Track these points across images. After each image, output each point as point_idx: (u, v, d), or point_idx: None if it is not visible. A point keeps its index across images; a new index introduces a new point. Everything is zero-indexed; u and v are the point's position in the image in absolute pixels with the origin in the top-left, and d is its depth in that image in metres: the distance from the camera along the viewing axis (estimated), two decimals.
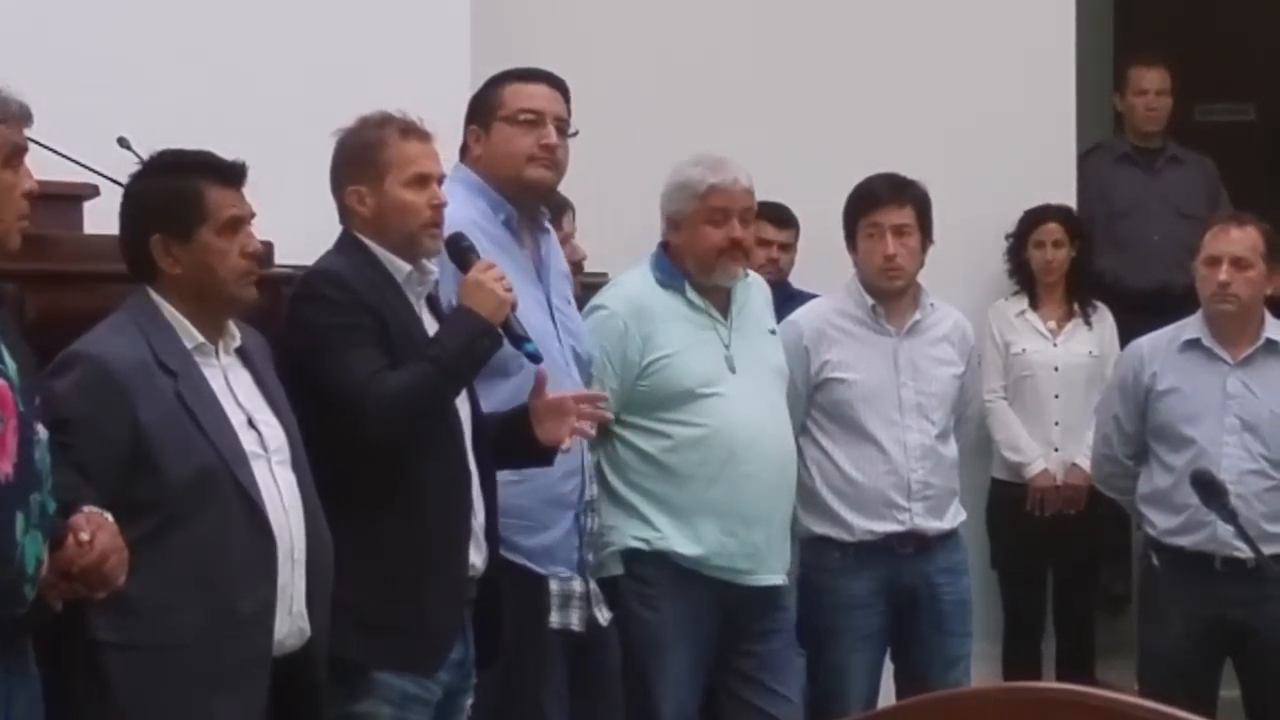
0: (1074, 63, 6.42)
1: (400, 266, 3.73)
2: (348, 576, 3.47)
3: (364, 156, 3.74)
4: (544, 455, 3.86)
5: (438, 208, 3.73)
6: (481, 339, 3.68)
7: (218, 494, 3.26)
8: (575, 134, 4.22)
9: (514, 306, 3.73)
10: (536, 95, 4.16)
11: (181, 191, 3.35)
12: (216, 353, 3.39)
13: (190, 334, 3.35)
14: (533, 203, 4.18)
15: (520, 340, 3.75)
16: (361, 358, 3.60)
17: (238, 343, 3.44)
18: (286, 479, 3.38)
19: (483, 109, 4.19)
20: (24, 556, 2.83)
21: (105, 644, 3.20)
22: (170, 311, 3.35)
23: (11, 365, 2.93)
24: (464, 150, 4.22)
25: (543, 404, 3.80)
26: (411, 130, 3.75)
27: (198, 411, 3.28)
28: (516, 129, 4.12)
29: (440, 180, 3.77)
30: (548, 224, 4.26)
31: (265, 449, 3.36)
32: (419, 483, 3.63)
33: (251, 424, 3.37)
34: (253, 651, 3.28)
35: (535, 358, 3.78)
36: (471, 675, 3.78)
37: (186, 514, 3.24)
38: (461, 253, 3.79)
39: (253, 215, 3.41)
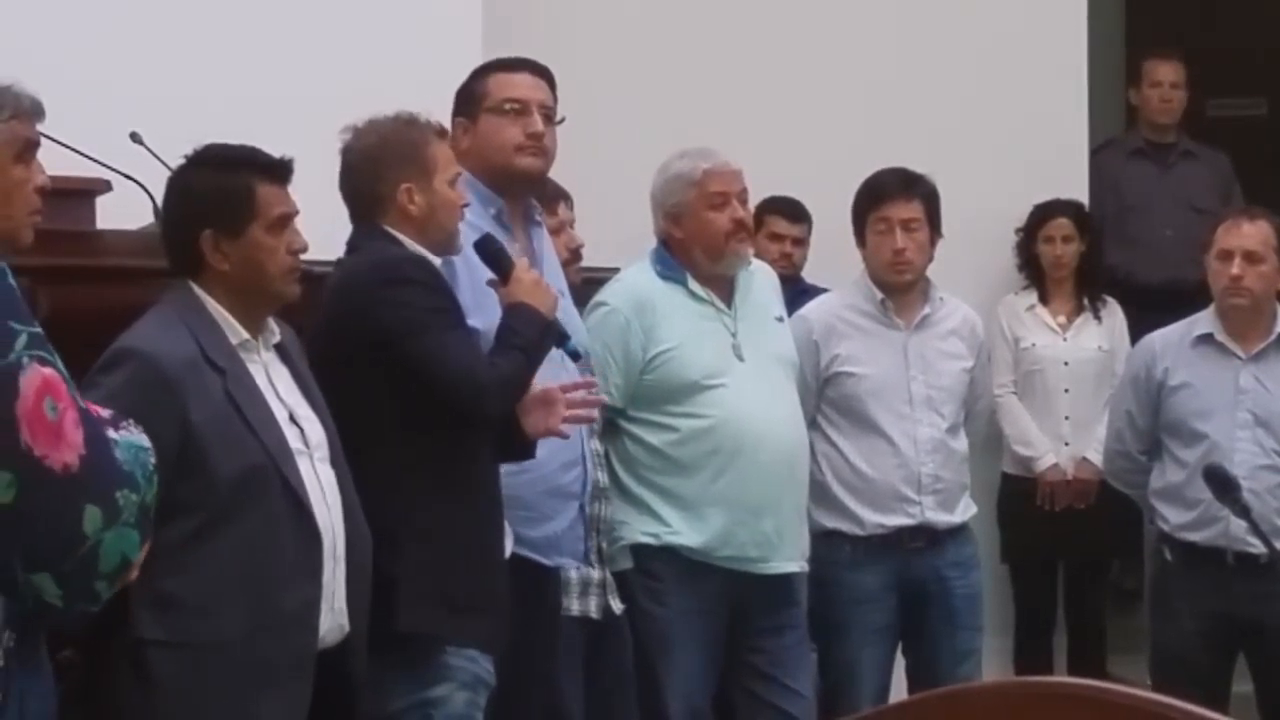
0: (1085, 57, 6.41)
1: (433, 260, 3.78)
2: (422, 558, 3.53)
3: (412, 154, 3.77)
4: (526, 447, 3.87)
5: (464, 207, 3.81)
6: (548, 333, 3.76)
7: (265, 491, 3.26)
8: (562, 121, 4.22)
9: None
10: (521, 84, 4.17)
11: (233, 188, 3.36)
12: (258, 349, 3.40)
13: (235, 330, 3.36)
14: (523, 193, 4.19)
15: (564, 338, 3.82)
16: (466, 340, 3.68)
17: (276, 338, 3.45)
18: (328, 475, 3.39)
19: (468, 101, 4.19)
20: (99, 552, 2.77)
21: (151, 642, 3.20)
22: (214, 307, 3.36)
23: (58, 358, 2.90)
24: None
25: (529, 396, 3.80)
26: (444, 131, 3.84)
27: (246, 409, 3.29)
28: (503, 119, 4.13)
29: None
30: (538, 217, 4.26)
31: (307, 445, 3.38)
32: (477, 470, 3.69)
33: (293, 420, 3.38)
34: (297, 650, 3.29)
35: (576, 355, 3.84)
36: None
37: (234, 512, 3.24)
38: (495, 254, 3.83)
39: (297, 213, 3.42)
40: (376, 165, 3.78)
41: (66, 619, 2.87)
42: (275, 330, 3.44)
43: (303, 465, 3.34)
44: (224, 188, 3.36)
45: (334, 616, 3.36)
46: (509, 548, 3.84)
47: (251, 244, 3.36)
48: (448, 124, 4.03)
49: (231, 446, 3.25)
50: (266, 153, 3.41)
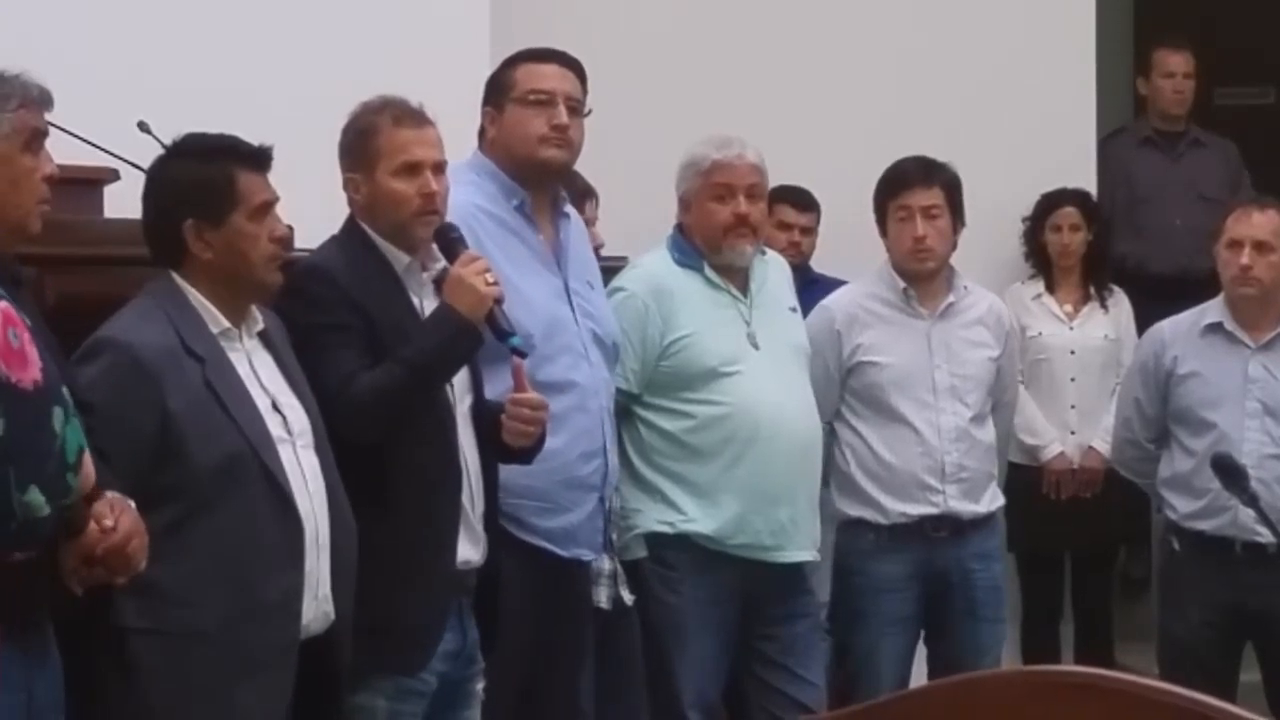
0: (1094, 46, 6.41)
1: (399, 257, 3.71)
2: None
3: (358, 144, 3.73)
4: (521, 452, 3.79)
5: (428, 196, 3.68)
6: (459, 338, 3.63)
7: (245, 480, 3.27)
8: (589, 113, 4.21)
9: (499, 300, 3.67)
10: (548, 75, 4.14)
11: (214, 176, 3.37)
12: (240, 337, 3.41)
13: (216, 319, 3.37)
14: (547, 184, 4.17)
15: (504, 334, 3.69)
16: (339, 359, 3.58)
17: (260, 326, 3.45)
18: (310, 463, 3.40)
19: (496, 90, 4.18)
20: (65, 447, 2.83)
21: (132, 630, 3.21)
22: (196, 296, 3.37)
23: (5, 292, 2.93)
24: (481, 133, 4.23)
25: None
26: (405, 117, 3.71)
27: (225, 397, 3.29)
28: (528, 110, 4.10)
29: (436, 168, 3.72)
30: (568, 208, 4.25)
31: (290, 433, 3.38)
32: (401, 481, 3.60)
33: (276, 408, 3.38)
34: (279, 638, 3.30)
35: (520, 352, 3.73)
36: (475, 662, 3.76)
37: (214, 500, 3.25)
38: (449, 244, 3.73)
39: (278, 199, 3.42)
40: (339, 156, 3.76)
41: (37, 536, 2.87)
42: (259, 318, 3.45)
43: (284, 453, 3.34)
44: (205, 177, 3.37)
45: (319, 604, 3.37)
46: (475, 556, 3.71)
47: (234, 232, 3.37)
48: (461, 111, 4.03)
49: (211, 435, 3.26)
50: (246, 141, 3.42)
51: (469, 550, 3.71)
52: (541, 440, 3.80)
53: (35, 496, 2.77)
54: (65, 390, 2.86)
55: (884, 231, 5.06)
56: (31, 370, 2.77)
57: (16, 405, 2.73)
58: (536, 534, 3.98)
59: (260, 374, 3.40)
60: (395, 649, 3.59)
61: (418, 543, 3.62)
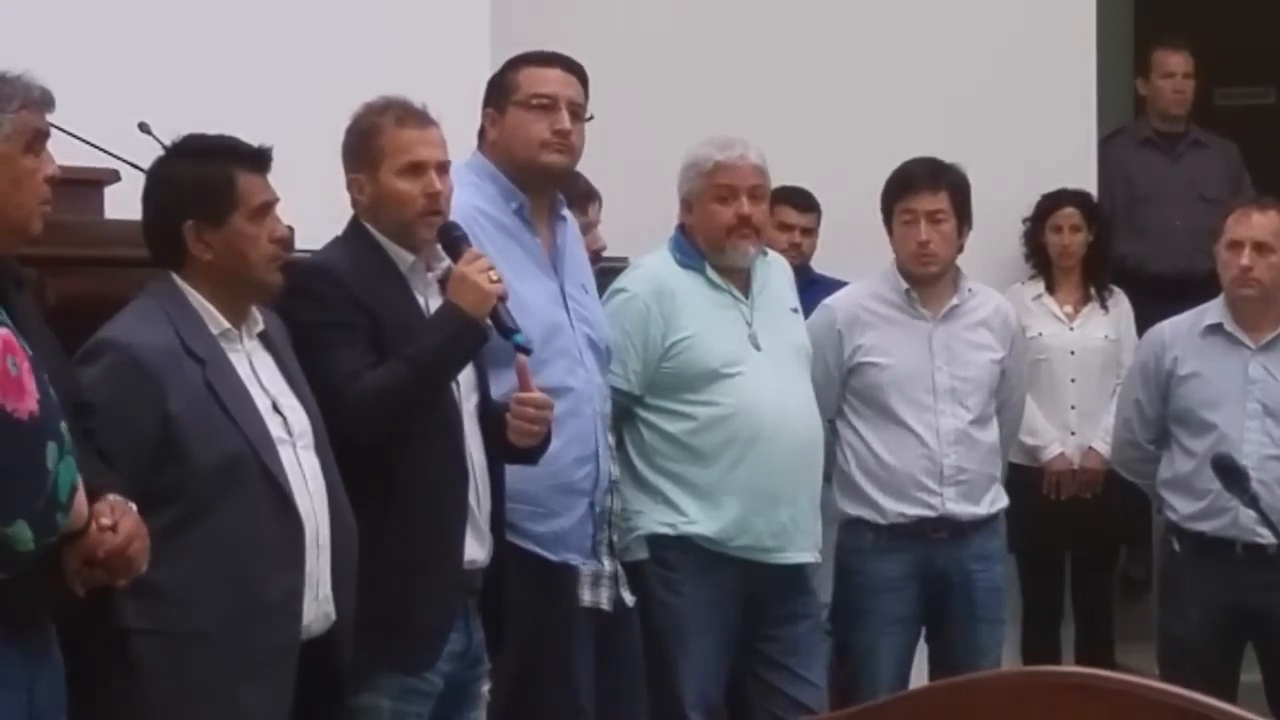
0: (1094, 46, 6.41)
1: (403, 256, 3.72)
2: None
3: (361, 145, 3.74)
4: (527, 452, 3.79)
5: (432, 196, 3.69)
6: (462, 336, 3.64)
7: (245, 480, 3.27)
8: (591, 118, 4.21)
9: (503, 298, 3.68)
10: (551, 79, 4.14)
11: (214, 177, 3.37)
12: (240, 338, 3.41)
13: (216, 320, 3.37)
14: (547, 188, 4.17)
15: (509, 332, 3.70)
16: (344, 358, 3.58)
17: (260, 327, 3.45)
18: (311, 463, 3.40)
19: (498, 93, 4.18)
20: (57, 484, 2.83)
21: (134, 631, 3.21)
22: (196, 297, 3.37)
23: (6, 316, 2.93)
24: (481, 134, 4.23)
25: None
26: (408, 117, 3.72)
27: (225, 398, 3.30)
28: (530, 114, 4.11)
29: (441, 167, 3.73)
30: (565, 212, 4.25)
31: (290, 433, 3.38)
32: (408, 479, 3.61)
33: (276, 408, 3.39)
34: (280, 638, 3.30)
35: (524, 349, 3.74)
36: (481, 663, 3.77)
37: (214, 501, 3.25)
38: (453, 243, 3.73)
39: (278, 200, 3.43)
40: (342, 158, 3.77)
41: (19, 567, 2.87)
42: (259, 319, 3.45)
43: (284, 453, 3.34)
44: (205, 178, 3.38)
45: (319, 605, 3.37)
46: (481, 555, 3.72)
47: (234, 233, 3.37)
48: (461, 112, 4.02)
49: (211, 436, 3.26)
50: (246, 142, 3.42)
51: (475, 550, 3.71)
52: (547, 439, 3.80)
53: (22, 531, 2.76)
54: (63, 426, 2.84)
55: (891, 233, 5.06)
56: (28, 401, 2.76)
57: (9, 435, 2.73)
58: (527, 538, 3.97)
59: (260, 375, 3.41)
60: (400, 648, 3.59)
61: (424, 542, 3.62)
